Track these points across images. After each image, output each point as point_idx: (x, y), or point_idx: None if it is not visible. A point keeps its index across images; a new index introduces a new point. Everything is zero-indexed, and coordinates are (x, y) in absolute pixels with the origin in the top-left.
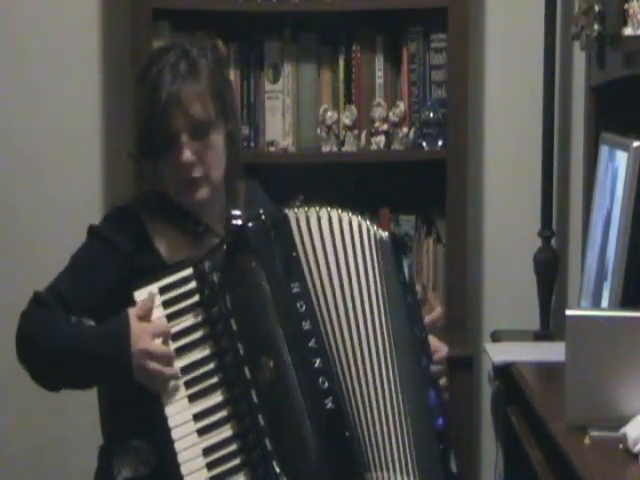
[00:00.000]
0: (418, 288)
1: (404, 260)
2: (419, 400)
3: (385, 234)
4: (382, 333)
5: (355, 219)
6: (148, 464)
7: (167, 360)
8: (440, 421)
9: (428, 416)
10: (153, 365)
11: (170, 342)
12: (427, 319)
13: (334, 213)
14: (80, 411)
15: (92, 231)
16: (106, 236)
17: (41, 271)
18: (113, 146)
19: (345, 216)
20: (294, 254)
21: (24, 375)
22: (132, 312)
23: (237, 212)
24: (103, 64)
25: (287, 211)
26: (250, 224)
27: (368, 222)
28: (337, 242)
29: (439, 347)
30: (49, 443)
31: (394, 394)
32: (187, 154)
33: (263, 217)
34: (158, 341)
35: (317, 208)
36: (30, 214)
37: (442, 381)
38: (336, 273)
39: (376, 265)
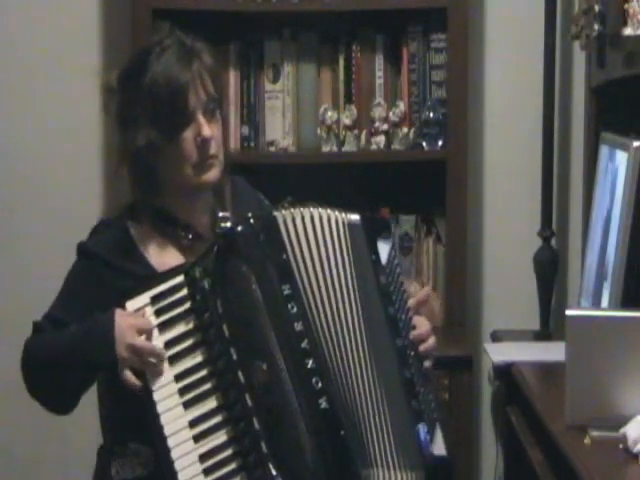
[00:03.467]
0: (416, 285)
1: (381, 241)
2: (393, 383)
3: (355, 217)
4: (354, 320)
5: (331, 214)
6: (147, 466)
7: (150, 355)
8: (415, 403)
9: (404, 399)
10: (137, 360)
11: (156, 336)
12: (412, 300)
13: (315, 212)
14: (80, 411)
15: (80, 249)
16: (94, 252)
17: (41, 272)
18: (113, 147)
19: (323, 213)
20: (284, 256)
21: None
22: (118, 310)
23: (226, 214)
24: (103, 64)
25: (275, 213)
26: (239, 228)
27: (339, 212)
28: (319, 240)
29: (420, 323)
30: (49, 443)
31: (370, 382)
32: (207, 130)
33: (252, 221)
34: (142, 338)
35: (302, 208)
36: (30, 216)
37: (427, 362)
38: (320, 271)
39: (350, 254)
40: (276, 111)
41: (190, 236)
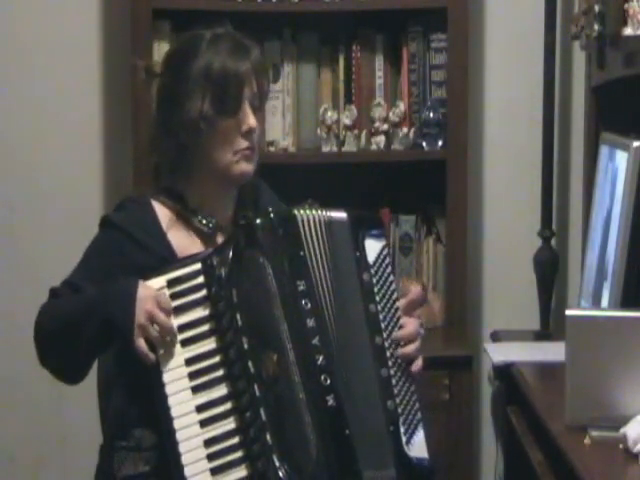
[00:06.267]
0: (416, 284)
1: (372, 240)
2: (369, 381)
3: (339, 215)
4: (332, 318)
5: (315, 214)
6: (149, 462)
7: (166, 330)
8: (391, 403)
9: (379, 398)
10: (153, 330)
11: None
12: (403, 301)
13: (303, 213)
14: (80, 411)
15: (105, 221)
16: (119, 225)
17: (41, 272)
18: (113, 146)
19: (309, 214)
20: (301, 253)
21: (24, 376)
22: (141, 281)
23: (247, 214)
24: (103, 64)
25: (295, 211)
26: (258, 221)
27: (322, 211)
28: (308, 239)
29: (407, 325)
30: (49, 443)
31: (346, 381)
32: (253, 120)
33: (272, 215)
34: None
35: (319, 210)
36: (30, 214)
37: (416, 364)
38: (328, 273)
39: (329, 251)
40: (276, 111)
41: (210, 225)
